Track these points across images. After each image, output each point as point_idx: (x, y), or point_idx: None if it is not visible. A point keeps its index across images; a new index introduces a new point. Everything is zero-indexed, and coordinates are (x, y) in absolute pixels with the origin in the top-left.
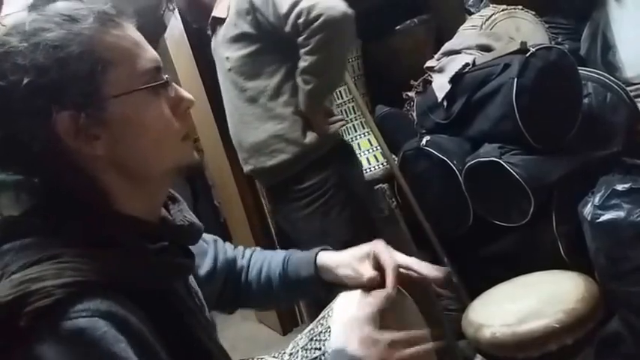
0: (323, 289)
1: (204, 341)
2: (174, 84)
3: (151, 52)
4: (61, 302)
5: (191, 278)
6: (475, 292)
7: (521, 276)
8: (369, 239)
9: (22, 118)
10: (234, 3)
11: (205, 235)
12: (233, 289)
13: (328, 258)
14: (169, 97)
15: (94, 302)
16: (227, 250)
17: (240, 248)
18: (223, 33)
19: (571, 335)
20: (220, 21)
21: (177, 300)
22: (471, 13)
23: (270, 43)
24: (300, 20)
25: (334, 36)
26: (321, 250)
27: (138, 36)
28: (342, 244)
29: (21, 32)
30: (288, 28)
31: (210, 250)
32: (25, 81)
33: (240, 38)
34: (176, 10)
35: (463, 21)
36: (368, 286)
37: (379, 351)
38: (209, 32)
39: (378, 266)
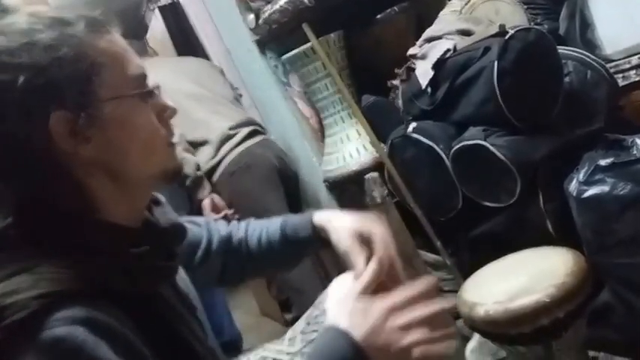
0: (320, 245)
1: (194, 345)
2: (158, 92)
3: (138, 60)
4: (38, 313)
5: (180, 279)
6: (468, 273)
7: (510, 254)
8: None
9: (16, 117)
10: None
11: (196, 218)
12: (236, 263)
13: (324, 219)
14: (154, 104)
15: (72, 310)
16: (220, 229)
17: (234, 222)
18: None
19: (562, 309)
20: None
21: (163, 304)
22: None
23: None
24: None
25: None
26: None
27: (125, 44)
28: None
29: (11, 32)
30: None
31: (204, 233)
32: (21, 80)
33: None
34: (156, 10)
35: (443, 6)
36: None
37: (372, 321)
38: None
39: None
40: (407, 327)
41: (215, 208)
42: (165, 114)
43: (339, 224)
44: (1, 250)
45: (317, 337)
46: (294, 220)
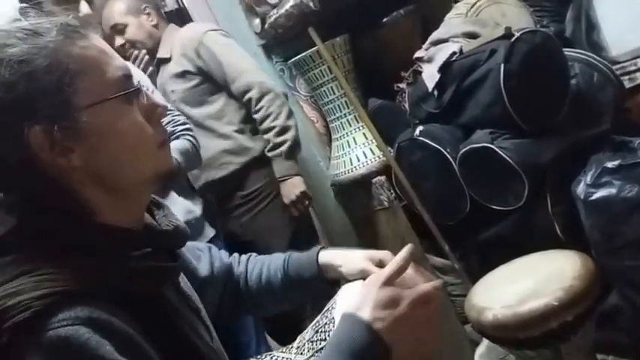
0: (326, 286)
1: (198, 345)
2: (145, 91)
3: (119, 60)
4: (40, 314)
5: (184, 282)
6: (477, 277)
7: (519, 258)
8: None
9: None
10: (178, 45)
11: (199, 244)
12: (233, 297)
13: (332, 257)
14: (142, 104)
15: (74, 310)
16: (222, 257)
17: (235, 255)
18: (168, 70)
19: (571, 312)
20: (164, 61)
21: (166, 305)
22: (456, 1)
23: (208, 78)
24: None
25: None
26: (321, 249)
27: (104, 45)
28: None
29: None
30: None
31: (205, 257)
32: None
33: (182, 75)
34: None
35: (449, 9)
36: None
37: (396, 313)
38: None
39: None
40: (427, 320)
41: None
42: (155, 113)
43: (350, 256)
44: (3, 255)
45: (336, 325)
46: (297, 258)
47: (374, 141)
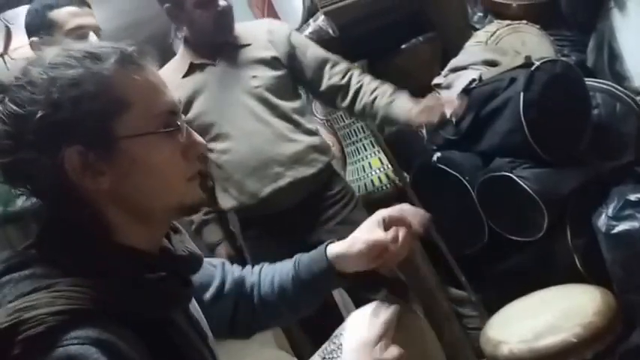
0: (340, 280)
1: None
2: (189, 128)
3: (167, 96)
4: (53, 330)
5: (193, 307)
6: (494, 309)
7: (537, 291)
8: None
9: (32, 149)
10: (265, 33)
11: (212, 260)
12: (248, 309)
13: (338, 245)
14: (182, 139)
15: (86, 330)
16: (234, 271)
17: (248, 267)
18: (247, 55)
19: (590, 349)
20: (241, 47)
21: (175, 330)
22: (475, 30)
23: (294, 74)
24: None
25: None
26: (328, 243)
27: (157, 78)
28: None
29: (43, 65)
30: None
31: (218, 272)
32: (39, 114)
33: (271, 62)
34: (184, 39)
35: (468, 37)
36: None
37: None
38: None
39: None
40: None
41: None
42: (192, 150)
43: (354, 237)
44: (22, 269)
45: None
46: (307, 257)
47: (390, 166)
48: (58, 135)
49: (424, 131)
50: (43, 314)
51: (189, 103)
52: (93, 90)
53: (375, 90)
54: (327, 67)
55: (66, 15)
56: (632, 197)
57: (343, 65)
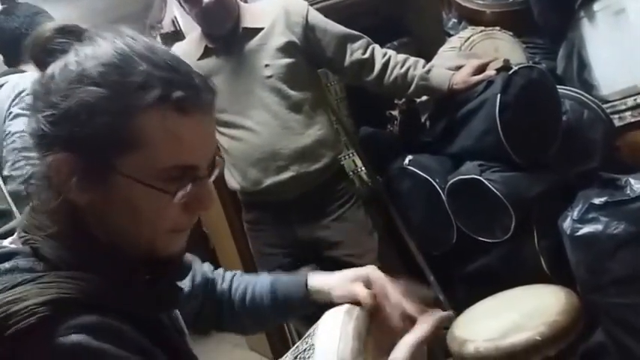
0: (315, 310)
1: None
2: (207, 184)
3: (190, 153)
4: (47, 320)
5: None
6: (462, 308)
7: (504, 291)
8: None
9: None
10: (281, 14)
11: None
12: (214, 311)
13: (321, 281)
14: (187, 194)
15: (84, 317)
16: (205, 271)
17: (220, 271)
18: (261, 41)
19: (553, 347)
20: (255, 31)
21: (161, 328)
22: (449, 36)
23: (312, 56)
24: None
25: None
26: (309, 272)
27: (193, 132)
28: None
29: (96, 58)
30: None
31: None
32: (48, 112)
33: (286, 48)
34: (158, 37)
35: (442, 43)
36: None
37: None
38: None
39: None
40: None
41: None
42: (195, 208)
43: (338, 279)
44: (1, 262)
45: None
46: (285, 282)
47: (363, 168)
48: (54, 139)
49: (398, 133)
50: (33, 305)
51: None
52: (113, 111)
53: (405, 61)
54: (348, 43)
55: None
56: (597, 201)
57: (363, 39)
